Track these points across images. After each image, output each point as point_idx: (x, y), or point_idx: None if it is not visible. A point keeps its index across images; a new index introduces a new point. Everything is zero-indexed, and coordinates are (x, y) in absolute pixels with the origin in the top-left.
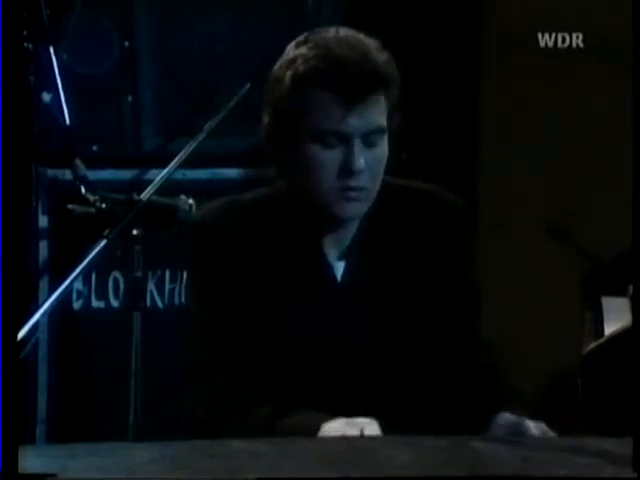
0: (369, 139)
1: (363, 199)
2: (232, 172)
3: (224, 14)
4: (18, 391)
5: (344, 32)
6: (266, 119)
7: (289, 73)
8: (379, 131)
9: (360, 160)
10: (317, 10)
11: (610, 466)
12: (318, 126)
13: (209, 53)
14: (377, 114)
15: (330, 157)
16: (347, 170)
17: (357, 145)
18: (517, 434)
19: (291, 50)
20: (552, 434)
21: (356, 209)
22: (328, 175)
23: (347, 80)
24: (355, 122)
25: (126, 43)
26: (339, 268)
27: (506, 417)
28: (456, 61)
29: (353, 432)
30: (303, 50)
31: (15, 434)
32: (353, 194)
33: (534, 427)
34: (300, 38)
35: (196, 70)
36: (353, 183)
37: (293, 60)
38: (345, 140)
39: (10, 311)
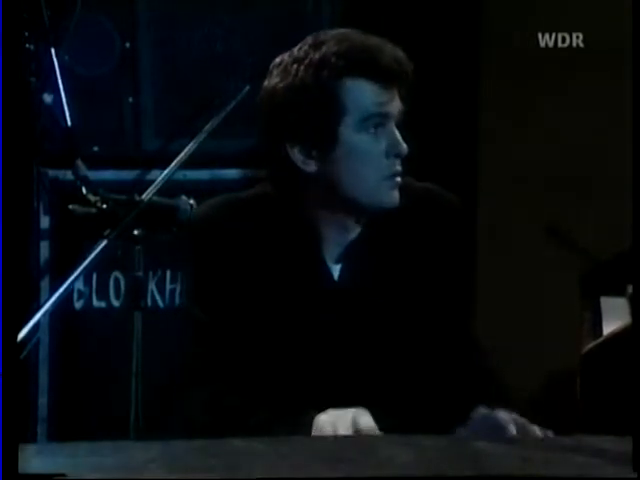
0: (397, 123)
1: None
2: (232, 173)
3: (224, 14)
4: (18, 391)
5: (347, 30)
6: (294, 126)
7: (326, 73)
8: (401, 115)
9: (404, 143)
10: (317, 10)
11: (610, 465)
12: (364, 112)
13: (209, 53)
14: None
15: (376, 143)
16: (394, 154)
17: (395, 128)
18: (494, 428)
19: (310, 52)
20: (531, 427)
21: (398, 197)
22: (378, 161)
23: (383, 64)
24: (394, 104)
25: (127, 44)
26: (336, 269)
27: (481, 412)
28: (456, 61)
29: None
30: (331, 48)
31: (15, 434)
32: (398, 180)
33: (510, 420)
34: (310, 41)
35: (196, 70)
36: (399, 167)
37: (324, 59)
38: (386, 123)
39: (11, 311)
